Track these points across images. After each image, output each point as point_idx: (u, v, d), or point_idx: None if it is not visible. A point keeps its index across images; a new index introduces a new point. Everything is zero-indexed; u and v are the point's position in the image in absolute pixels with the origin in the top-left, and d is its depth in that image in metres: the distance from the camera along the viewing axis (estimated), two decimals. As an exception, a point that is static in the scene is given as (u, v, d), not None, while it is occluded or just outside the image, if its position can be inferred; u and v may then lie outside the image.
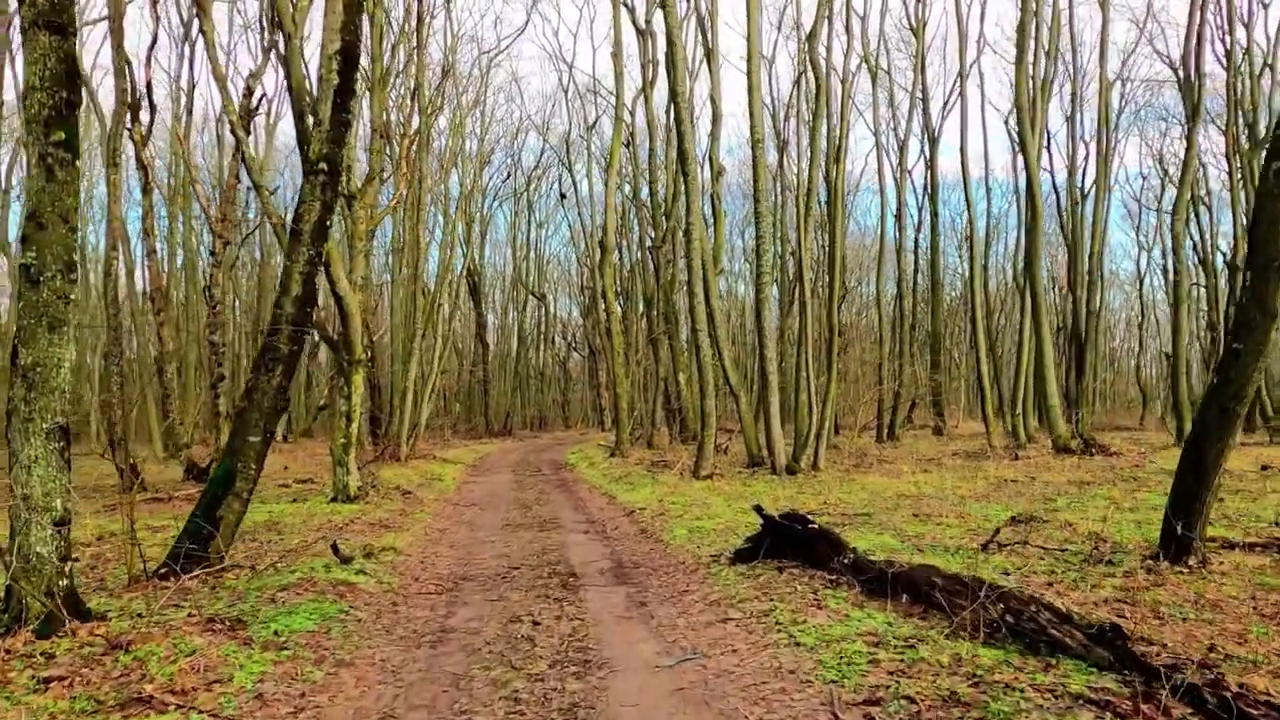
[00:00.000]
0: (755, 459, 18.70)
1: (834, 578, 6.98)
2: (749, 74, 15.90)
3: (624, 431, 24.77)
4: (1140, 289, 52.41)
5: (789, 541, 7.79)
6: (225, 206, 19.32)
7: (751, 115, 16.14)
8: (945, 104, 39.05)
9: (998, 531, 8.73)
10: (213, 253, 19.37)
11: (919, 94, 33.89)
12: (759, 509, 8.08)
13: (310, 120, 10.04)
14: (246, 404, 8.09)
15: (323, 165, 8.12)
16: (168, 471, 21.94)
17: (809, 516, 7.83)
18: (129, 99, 18.50)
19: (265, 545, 10.37)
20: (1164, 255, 53.05)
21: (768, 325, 16.24)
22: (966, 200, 22.88)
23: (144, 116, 20.06)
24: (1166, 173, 49.52)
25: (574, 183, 45.72)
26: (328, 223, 8.25)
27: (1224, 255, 45.57)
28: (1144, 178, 58.08)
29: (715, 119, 22.95)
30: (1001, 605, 5.49)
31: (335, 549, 8.72)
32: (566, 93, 51.17)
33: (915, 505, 12.77)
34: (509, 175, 53.69)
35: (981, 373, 23.46)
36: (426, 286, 30.48)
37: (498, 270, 62.22)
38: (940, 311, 36.00)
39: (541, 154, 59.53)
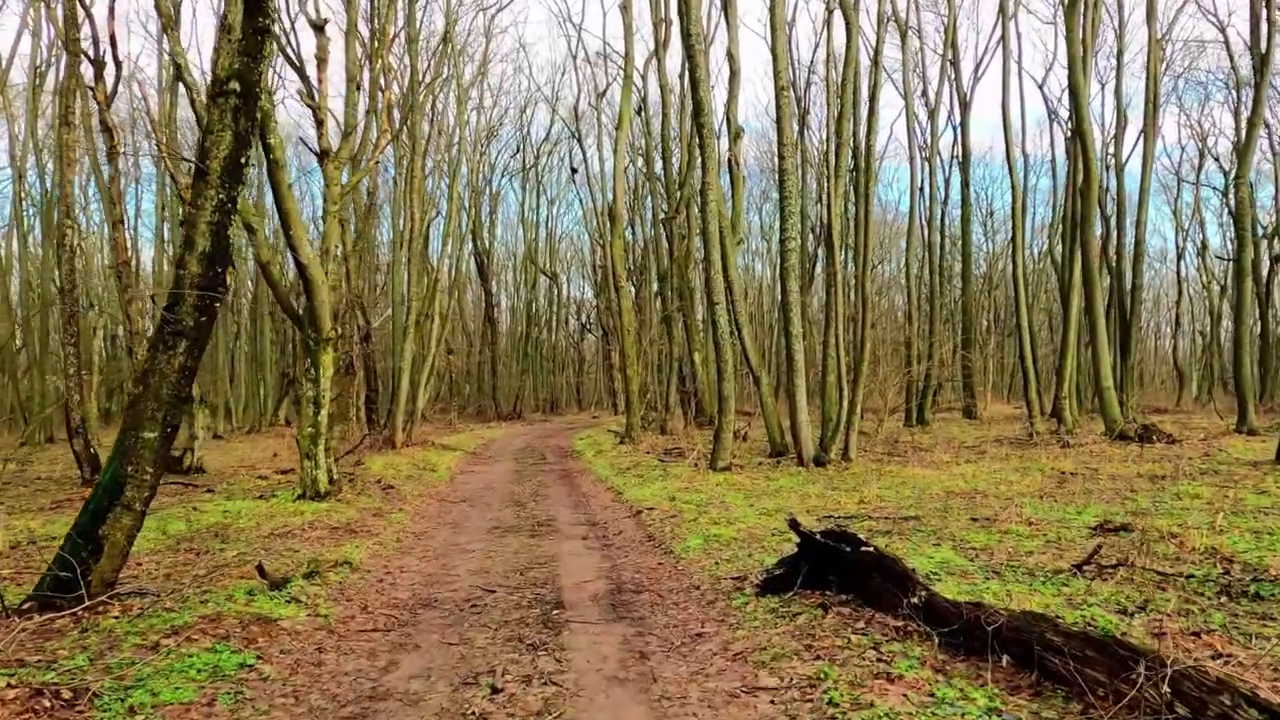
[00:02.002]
0: (778, 448, 16.90)
1: (900, 624, 5.18)
2: (772, 9, 13.92)
3: (634, 417, 23.00)
4: (1179, 266, 50.03)
5: (835, 568, 5.99)
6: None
7: (775, 59, 14.17)
8: (978, 66, 36.88)
9: (1097, 550, 6.88)
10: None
11: (949, 57, 31.73)
12: (794, 524, 6.28)
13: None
14: (140, 391, 6.35)
15: (234, 85, 6.33)
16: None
17: (860, 535, 6.02)
18: (80, 49, 16.77)
19: (198, 558, 8.68)
20: (1202, 229, 50.86)
21: (794, 298, 14.37)
22: (1009, 162, 20.84)
23: (108, 75, 18.35)
24: (1205, 144, 47.22)
25: (584, 158, 43.77)
26: (243, 159, 6.47)
27: (1263, 228, 43.41)
28: (1182, 149, 55.66)
29: (733, 76, 21.00)
30: (1168, 689, 3.69)
31: (261, 570, 7.01)
32: (575, 59, 48.87)
33: (969, 505, 10.96)
34: (518, 149, 51.90)
35: (1024, 352, 21.52)
36: (430, 266, 28.81)
37: (510, 250, 60.56)
38: (971, 287, 33.96)
39: (551, 125, 57.70)
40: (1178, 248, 50.69)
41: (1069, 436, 19.34)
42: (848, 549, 5.91)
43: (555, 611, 6.60)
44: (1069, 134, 35.77)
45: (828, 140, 14.69)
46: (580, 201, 56.41)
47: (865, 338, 15.34)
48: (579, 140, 42.79)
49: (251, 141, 6.53)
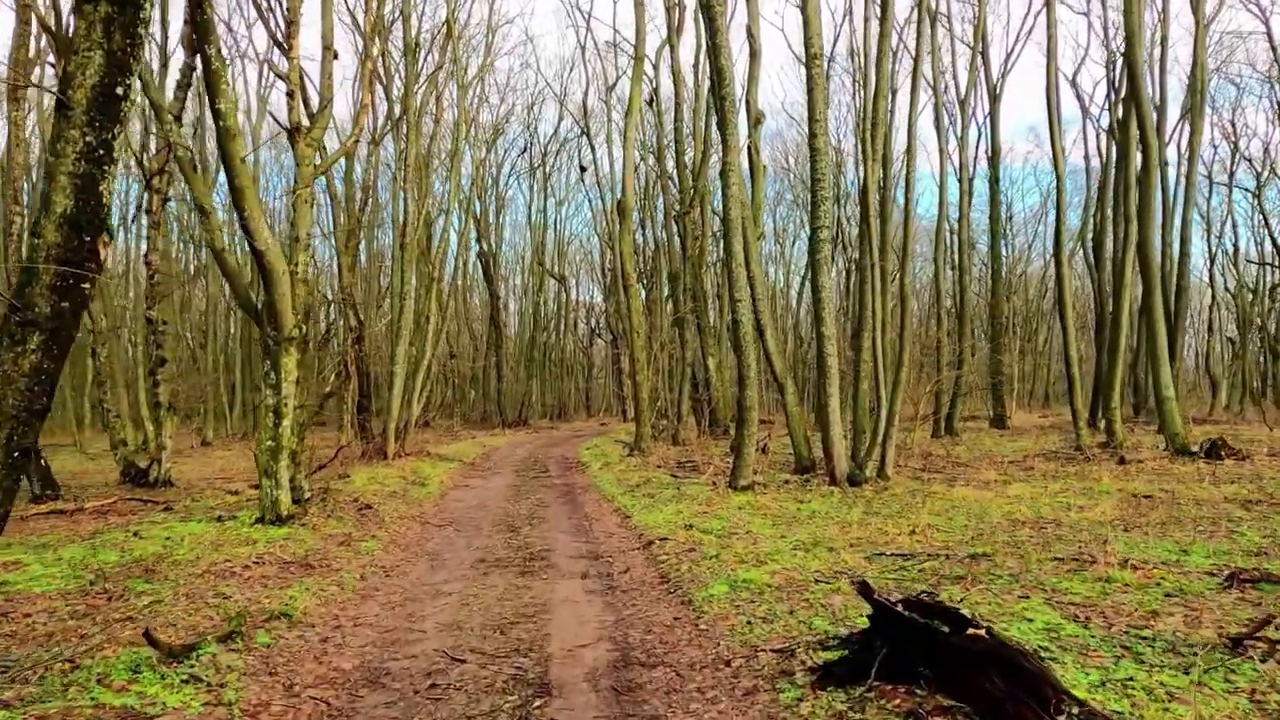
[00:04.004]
0: (804, 463, 15.16)
1: (1046, 761, 3.46)
2: (804, -32, 12.27)
3: (644, 426, 21.29)
4: (1210, 270, 48.12)
5: (926, 654, 4.28)
6: (165, 155, 15.97)
7: (806, 25, 12.48)
8: (1008, 58, 35.14)
9: (1268, 622, 5.15)
10: (149, 210, 16.07)
11: (978, 48, 29.96)
12: (866, 589, 4.58)
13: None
14: (-22, 401, 4.68)
15: (105, -14, 4.69)
16: (106, 472, 18.78)
17: (961, 609, 4.30)
18: (38, 17, 15.20)
19: (108, 604, 7.02)
20: (1235, 233, 49.18)
21: (826, 294, 12.63)
22: (1053, 148, 19.03)
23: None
24: (1237, 145, 45.45)
25: (594, 156, 42.21)
26: (120, 89, 4.82)
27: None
28: (1215, 149, 53.72)
29: (753, 56, 19.33)
30: None
31: (150, 638, 5.33)
32: (584, 50, 47.35)
33: (1043, 538, 9.22)
34: (525, 148, 50.42)
35: (1069, 356, 19.71)
36: (432, 264, 27.19)
37: (518, 253, 59.08)
38: (1000, 289, 32.15)
39: (559, 121, 56.39)
40: (1209, 251, 48.85)
41: (1124, 451, 17.55)
42: (945, 629, 4.20)
43: (538, 703, 4.89)
44: (1102, 129, 33.97)
45: (864, 120, 12.99)
46: (590, 202, 55.12)
47: (906, 339, 13.61)
48: (588, 136, 41.16)
49: (133, 67, 4.86)
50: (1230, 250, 49.56)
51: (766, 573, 7.59)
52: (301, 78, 18.30)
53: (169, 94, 15.05)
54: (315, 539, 10.03)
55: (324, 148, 15.43)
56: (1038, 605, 6.34)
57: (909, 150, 13.47)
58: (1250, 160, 46.26)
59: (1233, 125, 50.82)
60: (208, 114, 27.26)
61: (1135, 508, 11.14)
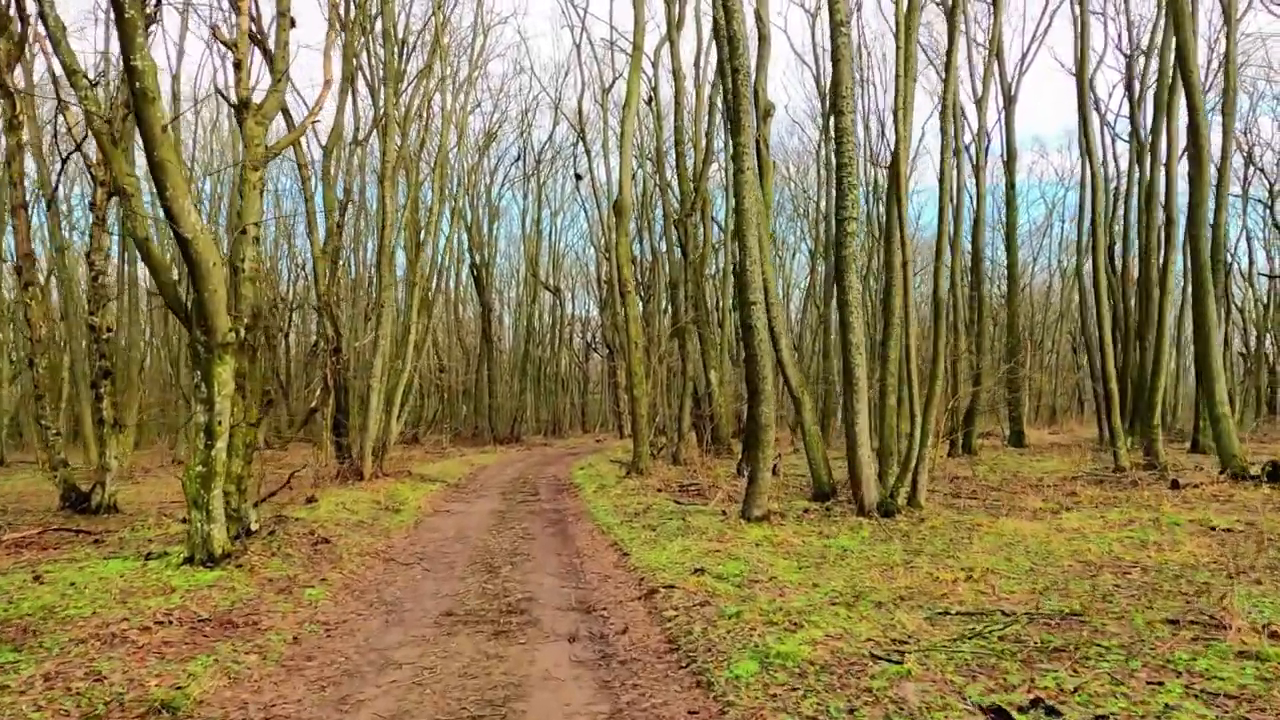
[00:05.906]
0: (824, 488, 13.48)
1: None
2: (830, -80, 10.71)
3: (643, 445, 19.58)
4: (1227, 280, 46.72)
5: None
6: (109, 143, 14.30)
7: (831, -13, 10.94)
8: (1024, 57, 33.81)
9: None
10: (93, 205, 14.42)
11: (993, 50, 28.48)
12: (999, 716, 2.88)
13: None
14: None
15: None
16: (42, 497, 16.97)
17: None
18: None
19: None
20: (1248, 244, 48.13)
21: (853, 296, 10.98)
22: (1086, 147, 17.51)
23: (15, 29, 15.21)
24: (1251, 155, 44.25)
25: (589, 164, 40.60)
26: None
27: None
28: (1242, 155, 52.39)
29: (762, 42, 17.81)
30: None
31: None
32: (580, 51, 45.99)
33: (1130, 586, 7.57)
34: (519, 156, 48.89)
35: (1106, 370, 18.07)
36: (422, 272, 25.57)
37: (513, 265, 57.52)
38: (1016, 298, 30.60)
39: (554, 125, 55.01)
40: (1225, 263, 47.47)
41: (1171, 475, 15.91)
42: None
43: None
44: (1119, 135, 32.48)
45: (897, 99, 11.37)
46: (585, 213, 53.78)
47: (940, 350, 11.97)
48: (584, 142, 39.60)
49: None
50: (1245, 264, 48.57)
51: (805, 642, 5.90)
52: (265, 48, 16.71)
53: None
54: (249, 585, 8.31)
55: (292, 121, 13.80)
56: (1181, 698, 4.67)
57: (943, 134, 11.86)
58: (1263, 171, 45.03)
59: (1245, 135, 49.48)
60: (211, 96, 25.76)
61: (1222, 546, 9.48)
